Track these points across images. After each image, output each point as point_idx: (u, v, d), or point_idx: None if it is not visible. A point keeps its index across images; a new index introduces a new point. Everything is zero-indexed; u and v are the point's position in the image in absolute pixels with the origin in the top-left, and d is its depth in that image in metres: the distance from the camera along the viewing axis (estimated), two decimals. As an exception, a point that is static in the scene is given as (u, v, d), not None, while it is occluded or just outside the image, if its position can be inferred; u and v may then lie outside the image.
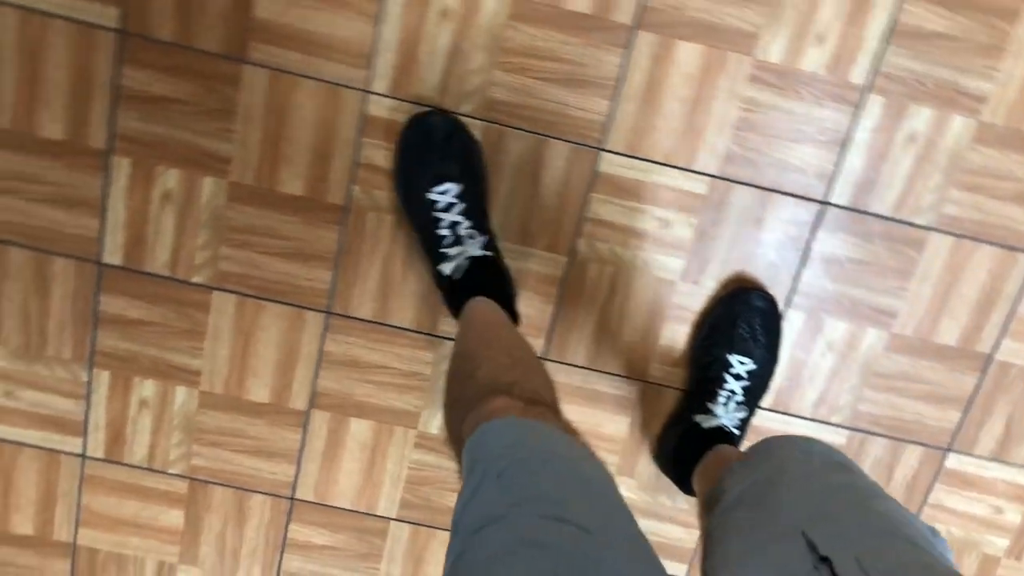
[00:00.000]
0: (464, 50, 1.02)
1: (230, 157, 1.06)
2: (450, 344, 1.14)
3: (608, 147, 1.06)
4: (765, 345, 1.12)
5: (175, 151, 1.06)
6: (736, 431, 1.11)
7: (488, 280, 1.04)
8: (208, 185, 1.07)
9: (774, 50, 1.02)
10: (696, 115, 1.04)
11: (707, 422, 1.09)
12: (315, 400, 1.18)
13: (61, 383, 1.17)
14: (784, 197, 1.07)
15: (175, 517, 1.24)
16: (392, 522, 1.24)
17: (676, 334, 1.15)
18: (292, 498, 1.23)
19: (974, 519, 1.24)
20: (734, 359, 1.10)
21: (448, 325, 1.14)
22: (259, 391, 1.17)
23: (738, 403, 1.11)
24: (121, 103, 1.04)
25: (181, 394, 1.17)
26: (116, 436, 1.20)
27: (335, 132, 1.05)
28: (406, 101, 1.04)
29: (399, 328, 1.14)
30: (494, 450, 0.66)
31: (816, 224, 1.09)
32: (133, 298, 1.13)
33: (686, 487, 1.10)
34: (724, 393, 1.10)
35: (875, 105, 1.04)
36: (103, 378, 1.17)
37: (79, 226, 1.09)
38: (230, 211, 1.09)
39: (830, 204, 1.08)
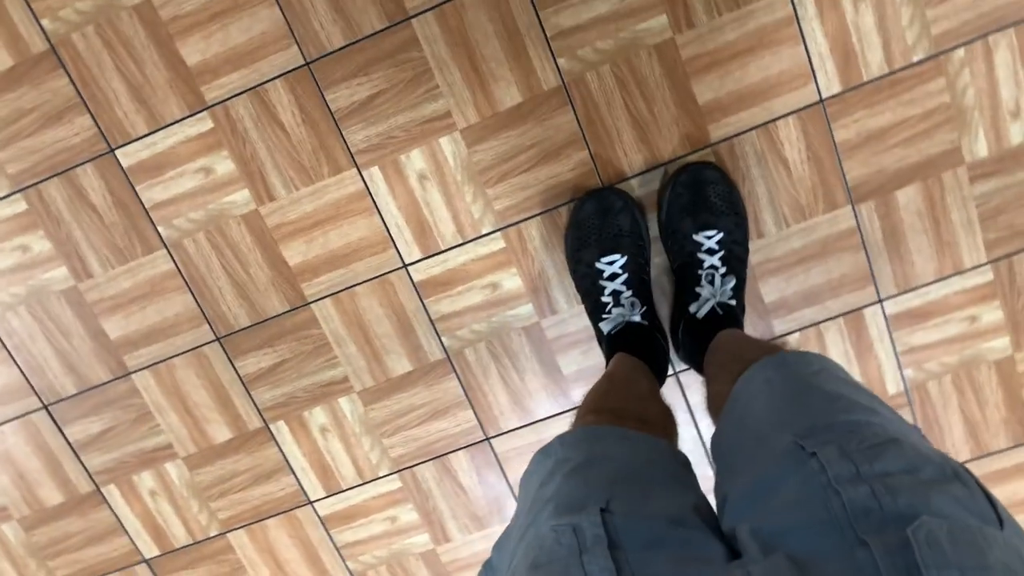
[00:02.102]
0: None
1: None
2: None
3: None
4: (724, 210, 1.09)
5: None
6: (731, 302, 1.10)
7: (639, 344, 1.11)
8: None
9: None
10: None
11: (700, 309, 1.09)
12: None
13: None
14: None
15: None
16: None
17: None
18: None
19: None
20: (701, 237, 1.09)
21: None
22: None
23: (723, 275, 1.09)
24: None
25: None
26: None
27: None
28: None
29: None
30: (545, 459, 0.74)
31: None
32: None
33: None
34: (705, 273, 1.09)
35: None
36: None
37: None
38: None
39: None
